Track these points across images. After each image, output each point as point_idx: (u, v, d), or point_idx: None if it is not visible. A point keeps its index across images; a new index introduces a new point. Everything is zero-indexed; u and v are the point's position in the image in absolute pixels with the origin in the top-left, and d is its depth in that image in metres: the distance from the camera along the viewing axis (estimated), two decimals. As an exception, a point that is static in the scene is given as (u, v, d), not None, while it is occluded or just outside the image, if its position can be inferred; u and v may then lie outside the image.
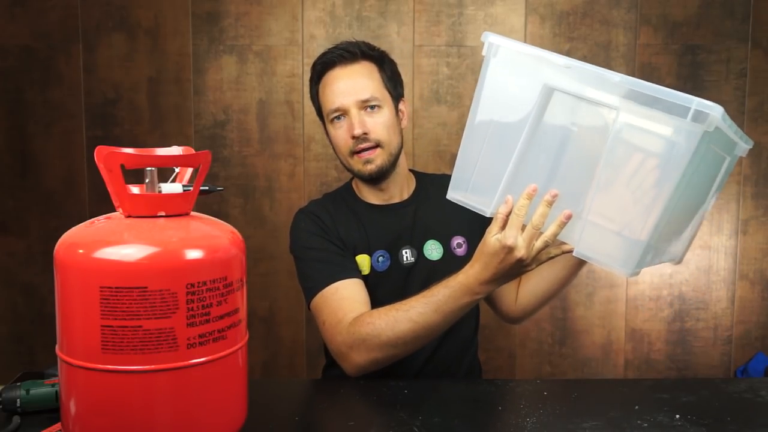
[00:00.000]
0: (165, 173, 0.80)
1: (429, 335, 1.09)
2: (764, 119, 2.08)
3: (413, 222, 1.32)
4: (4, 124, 2.06)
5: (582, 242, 0.90)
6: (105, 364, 0.69)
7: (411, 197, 1.35)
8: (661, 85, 0.84)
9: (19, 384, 0.95)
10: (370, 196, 1.34)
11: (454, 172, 1.02)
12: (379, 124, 1.25)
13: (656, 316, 2.15)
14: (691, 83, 2.06)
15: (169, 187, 0.77)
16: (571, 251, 0.94)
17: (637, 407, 0.98)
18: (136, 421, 0.70)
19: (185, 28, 2.03)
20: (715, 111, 0.78)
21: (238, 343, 0.76)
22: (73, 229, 0.75)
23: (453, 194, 1.03)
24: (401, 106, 1.33)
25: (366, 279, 1.27)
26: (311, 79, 1.32)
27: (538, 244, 0.95)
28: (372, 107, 1.25)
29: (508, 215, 0.96)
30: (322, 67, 1.28)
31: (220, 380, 0.74)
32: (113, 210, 0.78)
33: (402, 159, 1.33)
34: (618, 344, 2.16)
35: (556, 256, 0.99)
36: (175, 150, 0.83)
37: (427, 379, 1.24)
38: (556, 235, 0.93)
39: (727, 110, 0.83)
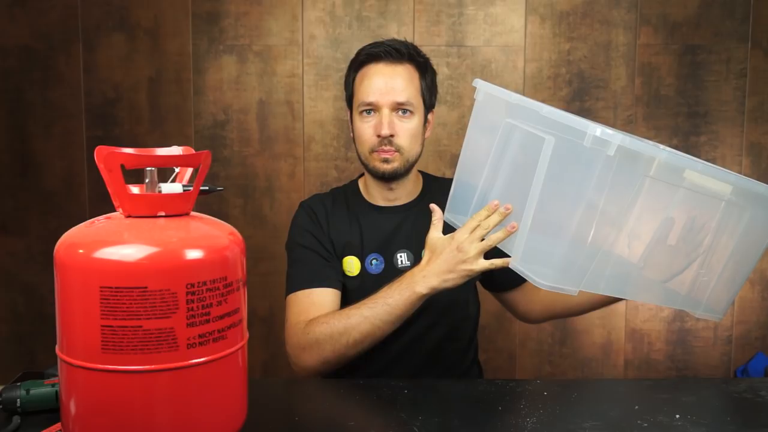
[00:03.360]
0: (165, 173, 0.80)
1: (379, 333, 1.13)
2: (764, 119, 2.08)
3: (413, 225, 1.32)
4: (4, 124, 2.06)
5: (518, 257, 1.01)
6: (105, 364, 0.69)
7: (414, 200, 1.35)
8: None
9: (19, 384, 0.95)
10: (377, 196, 1.34)
11: (449, 198, 1.18)
12: (406, 130, 1.25)
13: (656, 316, 2.15)
14: (691, 83, 2.06)
15: (169, 187, 0.77)
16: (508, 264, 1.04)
17: (637, 407, 0.98)
18: (136, 421, 0.70)
19: (185, 28, 2.03)
20: (614, 139, 0.85)
21: (238, 343, 0.76)
22: (73, 229, 0.75)
23: (446, 215, 1.17)
24: (429, 116, 1.33)
25: (355, 280, 1.28)
26: (350, 65, 1.31)
27: (482, 243, 1.04)
28: (404, 111, 1.25)
29: (441, 220, 1.14)
30: (367, 57, 1.27)
31: (220, 380, 0.74)
32: (113, 210, 0.78)
33: (415, 165, 1.33)
34: (618, 344, 2.16)
35: (497, 267, 1.05)
36: (175, 150, 0.83)
37: (427, 379, 1.24)
38: (500, 240, 1.03)
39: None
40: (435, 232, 1.12)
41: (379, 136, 1.24)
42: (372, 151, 1.26)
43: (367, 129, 1.26)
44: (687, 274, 1.06)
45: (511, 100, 1.03)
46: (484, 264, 1.05)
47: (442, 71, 2.04)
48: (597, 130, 0.85)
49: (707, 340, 2.16)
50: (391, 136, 1.24)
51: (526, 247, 0.99)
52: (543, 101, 2.11)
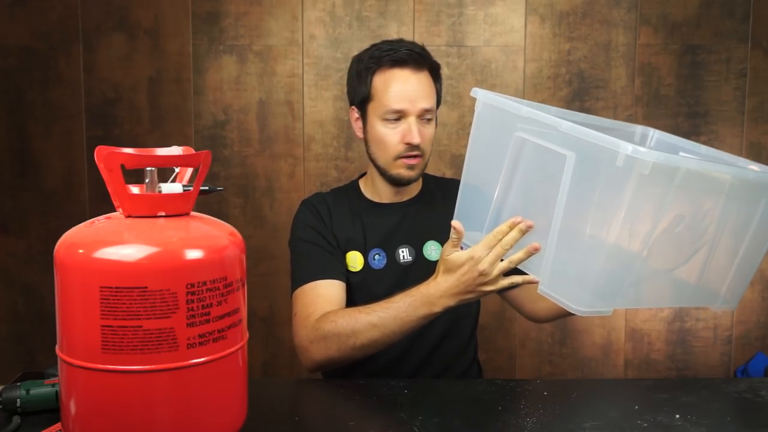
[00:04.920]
0: (165, 173, 0.80)
1: (387, 341, 1.12)
2: (764, 119, 2.08)
3: (413, 221, 1.33)
4: (4, 124, 2.06)
5: (545, 281, 0.96)
6: (105, 364, 0.69)
7: (415, 197, 1.36)
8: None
9: (19, 384, 0.95)
10: (382, 194, 1.35)
11: (455, 214, 1.11)
12: (429, 135, 1.26)
13: (656, 316, 2.15)
14: (691, 83, 2.06)
15: (169, 187, 0.77)
16: (534, 282, 0.99)
17: (637, 407, 0.98)
18: (136, 421, 0.70)
19: (185, 28, 2.03)
20: (648, 157, 0.81)
21: (238, 343, 0.76)
22: (73, 229, 0.75)
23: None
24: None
25: (358, 275, 1.29)
26: (366, 63, 1.26)
27: (503, 264, 1.00)
28: (428, 119, 1.25)
29: (460, 239, 1.05)
30: (392, 61, 1.24)
31: (220, 380, 0.74)
32: (113, 210, 0.78)
33: None
34: (618, 344, 2.16)
35: (518, 285, 1.02)
36: (175, 150, 0.83)
37: (427, 379, 1.24)
38: (521, 260, 0.98)
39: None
40: (453, 249, 1.06)
41: (408, 143, 1.23)
42: (398, 157, 1.25)
43: (393, 136, 1.24)
44: (696, 262, 1.03)
45: (522, 114, 0.97)
46: (504, 283, 1.02)
47: (442, 71, 2.04)
48: (629, 148, 0.82)
49: (707, 340, 2.16)
50: (419, 143, 1.24)
51: (554, 270, 0.94)
52: (543, 101, 2.12)
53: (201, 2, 2.03)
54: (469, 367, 1.37)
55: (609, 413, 0.96)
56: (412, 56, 1.24)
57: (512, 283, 1.02)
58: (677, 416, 0.95)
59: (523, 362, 2.16)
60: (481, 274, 1.01)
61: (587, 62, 2.06)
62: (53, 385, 0.94)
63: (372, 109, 1.26)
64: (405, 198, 1.35)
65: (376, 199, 1.36)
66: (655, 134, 1.29)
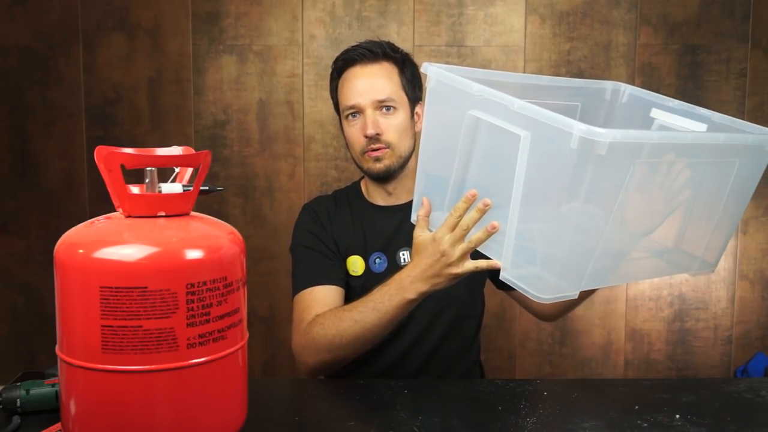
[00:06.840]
0: (165, 173, 0.80)
1: (371, 335, 1.10)
2: (764, 119, 2.08)
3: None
4: (4, 124, 2.06)
5: (507, 266, 0.91)
6: (105, 364, 0.68)
7: None
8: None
9: (19, 384, 0.95)
10: (377, 196, 1.35)
11: (415, 196, 1.06)
12: (392, 126, 1.25)
13: (656, 316, 2.15)
14: (691, 83, 2.06)
15: (169, 187, 0.77)
16: (497, 268, 0.93)
17: (637, 407, 0.98)
18: (136, 421, 0.70)
19: (185, 28, 2.03)
20: (603, 137, 0.77)
21: (238, 343, 0.76)
22: (73, 229, 0.75)
23: (414, 216, 1.07)
24: (418, 109, 1.33)
25: (360, 279, 1.29)
26: (332, 75, 1.33)
27: (464, 245, 0.96)
28: (388, 108, 1.25)
29: (426, 216, 1.03)
30: (344, 63, 1.29)
31: (220, 380, 0.74)
32: (113, 210, 0.78)
33: (411, 161, 1.33)
34: (618, 344, 2.16)
35: (483, 269, 0.96)
36: (175, 150, 0.83)
37: (427, 379, 1.24)
38: (481, 240, 0.94)
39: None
40: (418, 230, 1.04)
41: (366, 136, 1.24)
42: (363, 152, 1.26)
43: (354, 132, 1.27)
44: (673, 225, 1.00)
45: (473, 92, 0.91)
46: (469, 266, 0.98)
47: (442, 71, 2.04)
48: (582, 128, 0.77)
49: (707, 340, 2.16)
50: (378, 134, 1.24)
51: (516, 254, 0.90)
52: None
53: (201, 2, 2.03)
54: (470, 371, 1.36)
55: (609, 413, 0.96)
56: (362, 53, 1.26)
57: (477, 267, 0.97)
58: (677, 416, 0.95)
59: (523, 362, 2.16)
60: (443, 255, 0.98)
61: (587, 62, 2.06)
62: (53, 385, 0.94)
63: (341, 113, 1.31)
64: (405, 199, 1.35)
65: (375, 202, 1.35)
66: (627, 89, 1.20)
